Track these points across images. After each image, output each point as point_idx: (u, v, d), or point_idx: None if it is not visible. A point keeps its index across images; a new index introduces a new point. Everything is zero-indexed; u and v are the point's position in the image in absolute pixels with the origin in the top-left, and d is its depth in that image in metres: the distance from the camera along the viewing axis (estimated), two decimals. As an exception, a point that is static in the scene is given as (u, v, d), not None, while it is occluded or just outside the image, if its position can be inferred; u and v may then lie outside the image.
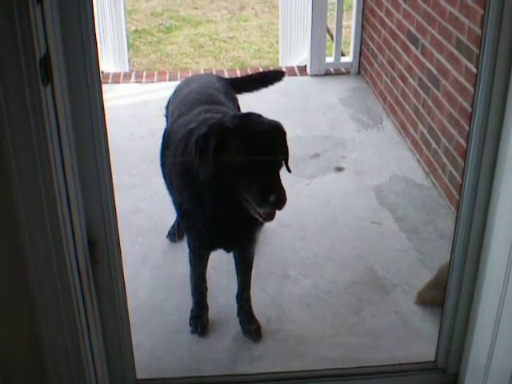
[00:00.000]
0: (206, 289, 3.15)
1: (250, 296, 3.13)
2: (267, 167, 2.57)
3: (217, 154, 2.58)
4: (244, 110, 3.30)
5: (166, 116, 3.55)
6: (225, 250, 3.05)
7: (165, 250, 3.69)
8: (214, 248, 3.03)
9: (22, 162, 1.78)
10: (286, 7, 6.99)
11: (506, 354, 2.25)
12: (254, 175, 2.55)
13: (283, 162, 2.74)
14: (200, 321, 3.12)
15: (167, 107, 3.57)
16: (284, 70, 6.28)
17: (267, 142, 2.61)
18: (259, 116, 2.74)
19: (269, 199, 2.51)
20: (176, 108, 3.31)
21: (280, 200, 2.52)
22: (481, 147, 2.26)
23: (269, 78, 4.11)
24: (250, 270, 3.11)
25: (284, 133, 2.75)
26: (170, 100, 3.57)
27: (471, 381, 2.59)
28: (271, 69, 6.39)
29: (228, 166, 2.59)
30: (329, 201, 4.20)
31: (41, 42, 1.73)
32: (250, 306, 3.13)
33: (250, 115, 2.75)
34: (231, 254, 3.11)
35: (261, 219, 2.64)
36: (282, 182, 2.60)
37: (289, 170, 2.81)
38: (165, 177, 3.16)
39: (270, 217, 2.61)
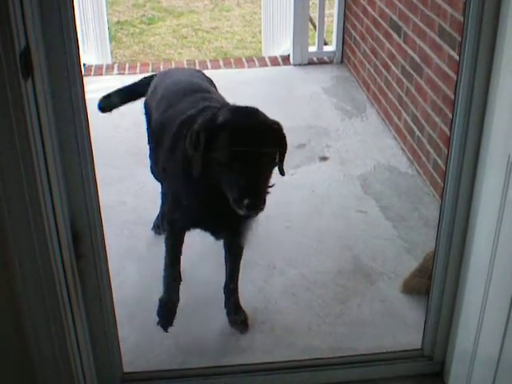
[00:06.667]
0: (180, 278, 3.02)
1: (237, 287, 3.12)
2: (249, 168, 2.46)
3: (208, 149, 2.50)
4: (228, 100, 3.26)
5: (146, 113, 3.38)
6: (214, 235, 2.94)
7: (150, 243, 3.67)
8: (202, 228, 2.91)
9: (3, 156, 1.77)
10: (269, -3, 6.97)
11: (492, 342, 2.26)
12: (233, 174, 2.46)
13: (277, 164, 2.64)
14: (167, 311, 2.97)
15: (146, 103, 3.40)
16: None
17: (254, 142, 2.48)
18: (254, 113, 2.60)
19: (243, 202, 2.43)
20: (162, 99, 3.19)
21: (254, 205, 2.44)
22: (464, 135, 2.27)
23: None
24: (239, 261, 3.08)
25: (279, 134, 2.60)
26: (148, 96, 3.39)
27: (457, 368, 2.61)
28: (254, 59, 6.39)
29: (214, 163, 2.51)
30: (314, 190, 4.20)
31: (20, 36, 1.71)
32: (237, 298, 3.13)
33: (244, 111, 2.62)
34: (220, 245, 3.07)
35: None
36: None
37: (282, 174, 2.70)
38: (156, 164, 3.11)
39: (250, 216, 2.56)
